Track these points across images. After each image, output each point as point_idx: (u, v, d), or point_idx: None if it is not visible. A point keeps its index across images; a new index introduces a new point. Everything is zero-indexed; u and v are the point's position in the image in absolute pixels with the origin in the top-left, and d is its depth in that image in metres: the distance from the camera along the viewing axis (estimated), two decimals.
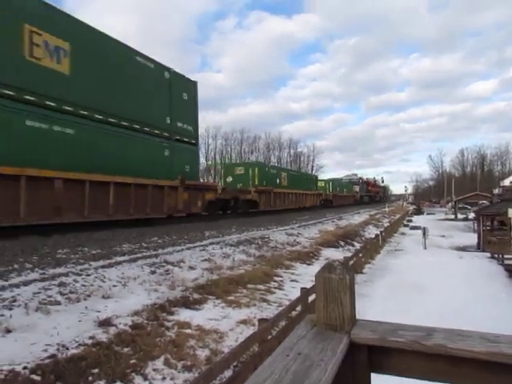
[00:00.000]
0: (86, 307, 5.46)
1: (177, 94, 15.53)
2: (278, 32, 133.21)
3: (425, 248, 20.57)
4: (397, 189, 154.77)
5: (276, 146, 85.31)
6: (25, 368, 3.65)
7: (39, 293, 5.52)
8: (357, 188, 64.31)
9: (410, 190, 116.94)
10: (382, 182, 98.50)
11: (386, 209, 48.90)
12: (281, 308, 6.33)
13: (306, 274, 9.93)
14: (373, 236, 19.77)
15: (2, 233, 10.21)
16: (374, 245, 17.11)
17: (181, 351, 4.60)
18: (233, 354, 3.67)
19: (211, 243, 11.43)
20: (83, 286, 6.17)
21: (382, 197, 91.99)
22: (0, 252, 8.10)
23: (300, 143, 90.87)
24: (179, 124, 15.65)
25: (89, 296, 5.88)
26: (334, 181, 51.33)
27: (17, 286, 5.68)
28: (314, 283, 6.76)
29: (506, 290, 10.97)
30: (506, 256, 15.29)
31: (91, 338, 4.53)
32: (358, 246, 17.10)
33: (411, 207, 72.46)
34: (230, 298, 7.00)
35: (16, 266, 7.01)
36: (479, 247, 22.42)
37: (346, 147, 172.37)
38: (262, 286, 8.19)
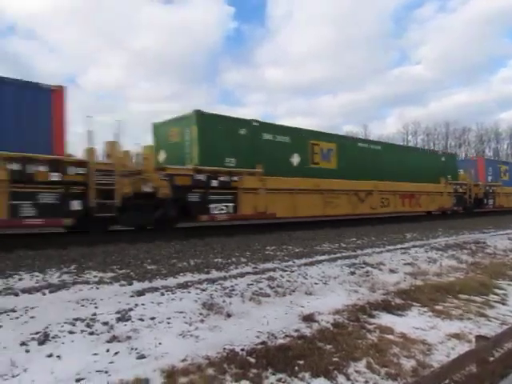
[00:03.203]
0: (291, 301, 5.84)
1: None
2: (492, 7, 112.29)
3: None
4: None
5: (492, 137, 72.53)
6: (242, 350, 4.15)
7: (252, 284, 6.23)
8: None
9: None
10: None
11: None
12: (505, 326, 5.33)
13: None
14: None
15: (223, 232, 12.20)
16: None
17: (383, 357, 4.39)
18: (444, 370, 3.27)
19: (413, 246, 10.68)
20: (288, 281, 6.65)
21: None
22: (222, 247, 9.59)
23: None
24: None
25: (293, 291, 6.29)
26: None
27: (234, 277, 6.57)
28: None
29: None
30: None
31: (296, 330, 4.80)
32: None
33: None
34: (437, 307, 6.31)
35: (233, 259, 8.15)
36: None
37: None
38: (478, 298, 7.09)
